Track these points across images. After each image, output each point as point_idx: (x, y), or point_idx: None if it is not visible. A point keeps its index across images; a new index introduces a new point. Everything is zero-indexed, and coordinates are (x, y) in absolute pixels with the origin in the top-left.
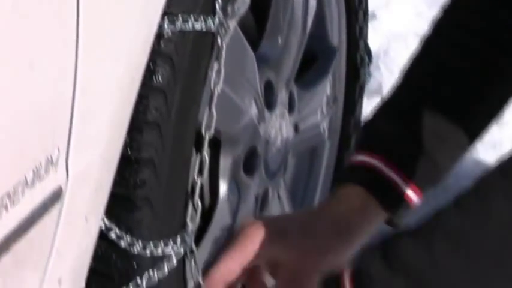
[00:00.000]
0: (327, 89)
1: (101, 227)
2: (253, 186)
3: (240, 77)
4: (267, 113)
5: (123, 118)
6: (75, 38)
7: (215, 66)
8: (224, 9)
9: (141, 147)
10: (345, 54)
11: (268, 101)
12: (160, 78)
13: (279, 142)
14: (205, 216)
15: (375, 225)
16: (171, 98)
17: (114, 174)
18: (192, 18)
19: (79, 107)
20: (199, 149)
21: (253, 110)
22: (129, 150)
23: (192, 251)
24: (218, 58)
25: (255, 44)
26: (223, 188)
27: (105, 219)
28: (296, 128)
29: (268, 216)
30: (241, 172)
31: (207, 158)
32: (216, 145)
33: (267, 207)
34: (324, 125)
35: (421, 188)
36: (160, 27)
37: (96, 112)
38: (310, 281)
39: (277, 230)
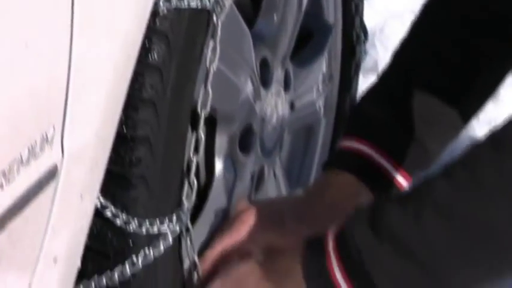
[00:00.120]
0: (322, 67)
1: (96, 205)
2: (249, 164)
3: (235, 55)
4: (262, 91)
5: (118, 96)
6: (70, 16)
7: (211, 44)
8: None
9: (137, 125)
10: (340, 32)
11: (264, 79)
12: (155, 56)
13: (274, 120)
14: (201, 195)
15: None
16: (167, 76)
17: (109, 152)
18: None
19: (74, 85)
20: (195, 127)
21: (249, 88)
22: (124, 128)
23: (187, 229)
24: (214, 36)
25: (250, 22)
26: (219, 166)
27: (101, 197)
28: (292, 105)
29: (262, 200)
30: (237, 150)
31: (202, 136)
32: (211, 123)
33: (263, 185)
34: (320, 103)
35: (410, 173)
36: (156, 4)
37: (91, 90)
38: None
39: (273, 217)
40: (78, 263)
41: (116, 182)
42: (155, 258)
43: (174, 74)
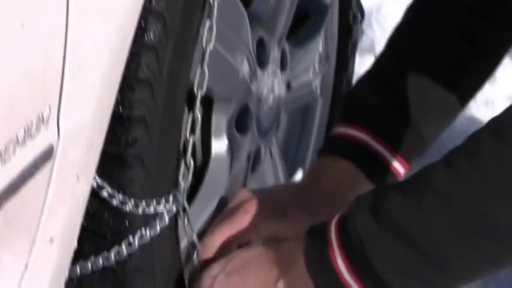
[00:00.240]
0: (319, 47)
1: (92, 186)
2: (246, 144)
3: (232, 35)
4: (259, 71)
5: (114, 76)
6: None
7: (207, 23)
8: None
9: (133, 105)
10: (337, 12)
11: (261, 59)
12: (151, 36)
13: (271, 100)
14: (197, 175)
15: None
16: (163, 56)
17: (105, 132)
18: None
19: (70, 65)
20: (191, 107)
21: (246, 68)
22: (120, 108)
23: (184, 210)
24: (210, 16)
25: (246, 2)
26: (215, 146)
27: (97, 178)
28: (288, 86)
29: (262, 189)
30: (234, 130)
31: (199, 116)
32: (208, 103)
33: (260, 165)
34: (316, 83)
35: (407, 160)
36: None
37: (87, 70)
38: None
39: (274, 206)
40: (74, 244)
41: (112, 162)
42: (151, 239)
43: (170, 54)
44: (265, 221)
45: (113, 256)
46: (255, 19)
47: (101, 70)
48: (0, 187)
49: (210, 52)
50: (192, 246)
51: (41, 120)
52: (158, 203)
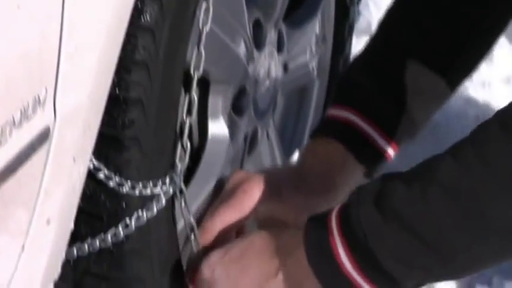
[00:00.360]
0: (316, 28)
1: (89, 167)
2: (243, 126)
3: (228, 17)
4: (256, 53)
5: (111, 58)
6: None
7: (203, 5)
8: None
9: (129, 87)
10: None
11: (257, 40)
12: (148, 17)
13: (268, 82)
14: (193, 157)
15: (355, 178)
16: (159, 37)
17: (102, 114)
18: None
19: (66, 47)
20: (188, 89)
21: (242, 50)
22: (117, 89)
23: (181, 191)
24: None
25: None
26: (212, 128)
27: (94, 160)
28: (285, 67)
29: (259, 171)
30: (231, 112)
31: (195, 98)
32: (204, 85)
33: (256, 147)
34: (313, 64)
35: (397, 142)
36: None
37: (84, 52)
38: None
39: (270, 187)
40: (71, 225)
41: (109, 144)
42: (148, 220)
43: (166, 36)
44: (262, 202)
45: (109, 238)
46: (251, 0)
47: (98, 52)
48: None
49: (207, 34)
50: (190, 228)
51: (37, 102)
52: (155, 185)
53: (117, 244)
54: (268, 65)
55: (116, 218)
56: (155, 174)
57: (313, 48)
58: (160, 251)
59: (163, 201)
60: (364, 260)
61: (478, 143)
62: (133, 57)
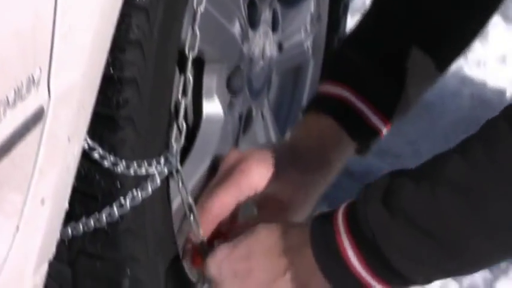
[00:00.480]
0: (310, 7)
1: (84, 147)
2: (237, 105)
3: None
4: (250, 32)
5: (105, 37)
6: None
7: None
8: None
9: (124, 67)
10: None
11: (252, 19)
12: None
13: (262, 61)
14: (188, 136)
15: (348, 155)
16: (154, 17)
17: (96, 94)
18: None
19: (60, 26)
20: (182, 69)
21: (237, 29)
22: (111, 69)
23: (177, 171)
24: None
25: None
26: (206, 107)
27: (88, 139)
28: (280, 46)
29: (254, 149)
30: (225, 91)
31: (191, 78)
32: (199, 65)
33: (251, 126)
34: (308, 43)
35: (390, 119)
36: None
37: (78, 31)
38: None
39: (269, 167)
40: (65, 205)
41: (104, 123)
42: (143, 200)
43: (161, 15)
44: (261, 181)
45: (104, 217)
46: None
47: (92, 31)
48: None
49: (201, 13)
50: (189, 208)
51: (32, 82)
52: (150, 165)
53: (112, 224)
54: (262, 45)
55: (110, 197)
56: (150, 154)
57: (308, 27)
58: (155, 231)
59: (158, 181)
60: (372, 258)
61: (486, 141)
62: (127, 36)
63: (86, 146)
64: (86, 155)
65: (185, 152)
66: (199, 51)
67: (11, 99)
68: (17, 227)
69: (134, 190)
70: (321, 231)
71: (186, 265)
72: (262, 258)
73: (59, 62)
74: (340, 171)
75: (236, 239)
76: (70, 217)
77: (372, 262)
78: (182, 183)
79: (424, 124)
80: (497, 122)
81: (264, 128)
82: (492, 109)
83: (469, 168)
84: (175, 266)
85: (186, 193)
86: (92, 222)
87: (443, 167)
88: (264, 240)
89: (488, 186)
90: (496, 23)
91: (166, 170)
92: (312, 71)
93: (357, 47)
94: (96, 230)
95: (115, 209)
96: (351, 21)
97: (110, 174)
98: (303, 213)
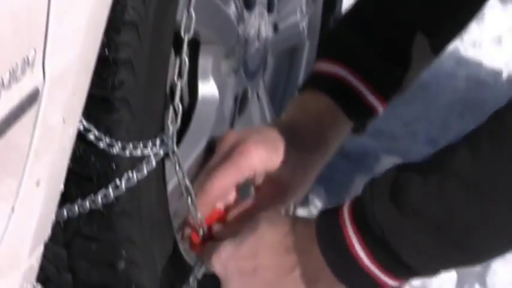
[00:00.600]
0: None
1: (79, 129)
2: (233, 86)
3: None
4: (246, 13)
5: (100, 18)
6: None
7: None
8: None
9: (119, 48)
10: None
11: (247, 1)
12: None
13: (258, 42)
14: (184, 117)
15: (344, 134)
16: None
17: (91, 75)
18: None
19: (55, 7)
20: (178, 51)
21: (232, 10)
22: (106, 50)
23: (174, 153)
24: None
25: None
26: (202, 88)
27: (84, 121)
28: (275, 27)
29: (252, 130)
30: (221, 73)
31: (186, 60)
32: (194, 46)
33: (247, 107)
34: (304, 24)
35: (386, 98)
36: None
37: (73, 13)
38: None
39: (268, 147)
40: (61, 187)
41: (99, 105)
42: (138, 181)
43: None
44: (260, 162)
45: (99, 199)
46: None
47: (87, 12)
48: None
49: None
50: (186, 191)
51: (26, 63)
52: (145, 146)
53: (107, 205)
54: (258, 26)
55: (106, 179)
56: (145, 136)
57: (304, 8)
58: (151, 212)
59: (154, 162)
60: (381, 253)
61: (493, 134)
62: (122, 17)
63: (81, 128)
64: (81, 136)
65: (181, 133)
66: (194, 32)
67: (5, 80)
68: (12, 209)
69: (130, 172)
70: (328, 227)
71: (184, 247)
72: (269, 256)
73: (54, 43)
74: (336, 150)
75: (240, 235)
76: (65, 199)
77: (380, 257)
78: (179, 165)
79: (419, 105)
80: (504, 114)
81: (259, 109)
82: (488, 90)
83: (476, 162)
84: (171, 247)
85: (183, 175)
86: (88, 204)
87: (450, 161)
88: (270, 238)
89: (496, 179)
90: (492, 4)
91: (161, 152)
92: (307, 52)
93: (354, 26)
94: (91, 212)
95: (110, 190)
96: (347, 2)
97: (105, 155)
98: (301, 192)
